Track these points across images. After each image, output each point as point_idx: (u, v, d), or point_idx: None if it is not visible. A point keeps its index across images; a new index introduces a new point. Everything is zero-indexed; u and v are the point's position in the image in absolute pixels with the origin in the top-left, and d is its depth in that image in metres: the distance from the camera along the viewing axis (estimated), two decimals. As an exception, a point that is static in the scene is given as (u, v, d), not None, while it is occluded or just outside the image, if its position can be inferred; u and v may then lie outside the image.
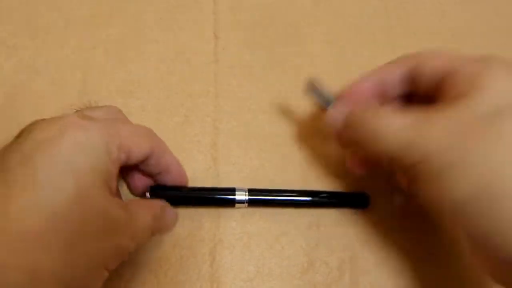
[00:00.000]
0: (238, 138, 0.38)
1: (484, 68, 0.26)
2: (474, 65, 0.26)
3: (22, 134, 0.24)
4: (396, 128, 0.26)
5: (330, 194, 0.36)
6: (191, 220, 0.35)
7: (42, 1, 0.43)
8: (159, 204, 0.30)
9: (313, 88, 0.34)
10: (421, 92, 0.30)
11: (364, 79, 0.32)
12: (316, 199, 0.35)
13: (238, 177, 0.36)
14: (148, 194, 0.32)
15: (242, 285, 0.33)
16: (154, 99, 0.39)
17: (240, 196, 0.34)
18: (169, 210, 0.31)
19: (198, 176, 0.36)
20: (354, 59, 0.42)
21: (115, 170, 0.26)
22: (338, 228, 0.35)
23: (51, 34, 0.41)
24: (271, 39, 0.43)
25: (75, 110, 0.29)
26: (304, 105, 0.39)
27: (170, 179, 0.32)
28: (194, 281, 0.33)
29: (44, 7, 0.43)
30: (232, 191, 0.34)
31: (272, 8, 0.44)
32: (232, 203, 0.34)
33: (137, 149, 0.28)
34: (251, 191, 0.34)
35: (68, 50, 0.41)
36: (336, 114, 0.31)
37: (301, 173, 0.37)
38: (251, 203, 0.34)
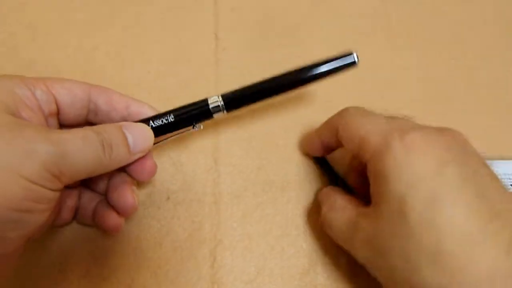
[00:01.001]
0: (239, 139, 0.38)
1: (383, 155, 0.26)
2: (376, 152, 0.27)
3: None
4: (339, 225, 0.30)
5: (314, 65, 0.32)
6: (192, 221, 0.35)
7: (43, 2, 0.43)
8: (114, 127, 0.28)
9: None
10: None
11: (311, 137, 0.36)
12: (301, 75, 0.32)
13: (239, 178, 0.36)
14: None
15: (242, 286, 0.33)
16: (154, 100, 0.38)
17: (214, 103, 0.31)
18: (136, 129, 0.29)
19: (199, 176, 0.36)
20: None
21: (28, 103, 0.26)
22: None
23: (51, 35, 0.41)
24: (271, 40, 0.43)
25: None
26: (304, 106, 0.39)
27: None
28: (194, 282, 0.33)
29: (44, 8, 0.43)
30: (204, 101, 0.32)
31: (272, 9, 0.44)
32: (209, 113, 0.32)
33: (65, 90, 0.28)
34: (224, 96, 0.32)
35: (69, 51, 0.41)
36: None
37: (301, 173, 0.37)
38: (229, 107, 0.32)
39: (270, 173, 0.37)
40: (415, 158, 0.25)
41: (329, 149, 0.34)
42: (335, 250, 0.34)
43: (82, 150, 0.25)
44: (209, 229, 0.35)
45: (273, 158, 0.38)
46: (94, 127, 0.27)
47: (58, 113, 0.29)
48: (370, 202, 0.27)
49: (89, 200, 0.32)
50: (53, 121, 0.29)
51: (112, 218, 0.31)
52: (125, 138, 0.28)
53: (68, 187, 0.31)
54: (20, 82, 0.26)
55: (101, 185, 0.32)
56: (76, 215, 0.33)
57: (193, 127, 0.32)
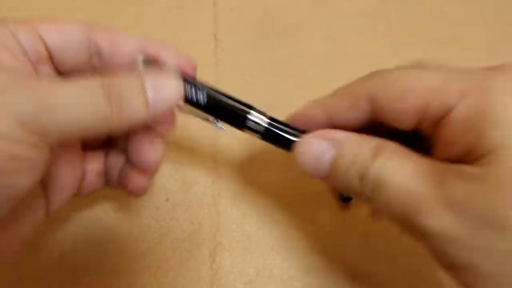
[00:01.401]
0: (239, 139, 0.38)
1: (489, 95, 0.20)
2: (471, 95, 0.20)
3: None
4: (406, 180, 0.21)
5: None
6: (191, 222, 0.35)
7: (42, 2, 0.43)
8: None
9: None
10: (393, 127, 0.24)
11: (310, 110, 0.27)
12: None
13: (239, 179, 0.36)
14: (140, 61, 0.25)
15: (242, 287, 0.33)
16: (154, 101, 0.39)
17: (256, 119, 0.26)
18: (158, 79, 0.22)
19: (198, 177, 0.36)
20: (354, 60, 0.42)
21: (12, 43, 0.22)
22: (337, 230, 0.35)
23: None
24: (271, 40, 0.43)
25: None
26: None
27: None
28: (194, 283, 0.33)
29: (44, 7, 0.43)
30: (248, 107, 0.26)
31: (272, 9, 0.44)
32: (241, 122, 0.27)
33: (55, 31, 0.23)
34: (272, 123, 0.27)
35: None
36: (314, 152, 0.24)
37: (301, 175, 0.37)
38: (267, 137, 0.27)
39: (271, 174, 0.37)
40: None
41: (344, 128, 0.25)
42: (335, 251, 0.34)
43: (76, 104, 0.20)
44: (208, 230, 0.35)
45: (275, 158, 0.37)
46: (102, 75, 0.22)
47: (51, 59, 0.24)
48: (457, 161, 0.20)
49: (116, 161, 0.29)
50: (46, 69, 0.24)
51: (133, 179, 0.27)
52: (142, 87, 0.22)
53: (90, 148, 0.28)
54: None
55: (126, 143, 0.28)
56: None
57: (215, 122, 0.27)
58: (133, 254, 0.34)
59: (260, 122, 0.26)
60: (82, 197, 0.29)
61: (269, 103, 0.39)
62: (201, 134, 0.38)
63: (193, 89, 0.25)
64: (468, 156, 0.20)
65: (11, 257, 0.24)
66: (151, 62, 0.24)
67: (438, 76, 0.21)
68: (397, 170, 0.21)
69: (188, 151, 0.37)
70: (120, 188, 0.28)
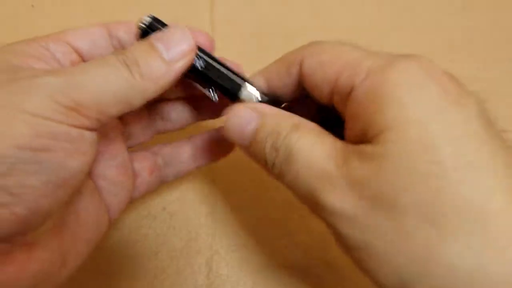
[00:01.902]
0: (236, 149, 0.38)
1: (389, 73, 0.20)
2: (375, 71, 0.21)
3: None
4: (311, 156, 0.21)
5: None
6: (188, 231, 0.35)
7: (39, 11, 0.43)
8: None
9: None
10: (318, 100, 0.25)
11: (253, 79, 0.27)
12: None
13: (236, 188, 0.37)
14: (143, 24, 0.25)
15: (238, 296, 0.33)
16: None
17: (250, 90, 0.26)
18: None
19: (195, 186, 0.36)
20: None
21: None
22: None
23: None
24: (268, 50, 0.43)
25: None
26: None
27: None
28: (190, 292, 0.33)
29: (41, 18, 0.43)
30: (243, 81, 0.26)
31: (268, 21, 0.45)
32: (235, 92, 0.26)
33: (80, 35, 0.25)
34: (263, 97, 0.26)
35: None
36: (240, 120, 0.24)
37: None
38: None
39: (267, 183, 0.37)
40: (433, 80, 0.20)
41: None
42: (331, 260, 0.35)
43: (99, 75, 0.21)
44: (205, 239, 0.35)
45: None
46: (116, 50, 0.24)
47: (83, 60, 0.26)
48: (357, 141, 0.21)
49: (173, 151, 0.31)
50: None
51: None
52: (153, 47, 0.23)
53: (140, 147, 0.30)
54: (27, 41, 0.23)
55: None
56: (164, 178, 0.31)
57: (210, 91, 0.26)
58: (130, 262, 0.34)
59: (252, 96, 0.26)
60: (138, 198, 0.30)
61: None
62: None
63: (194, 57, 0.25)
64: (366, 135, 0.20)
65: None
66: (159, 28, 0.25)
67: (354, 54, 0.22)
68: (310, 146, 0.21)
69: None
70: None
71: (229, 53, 0.43)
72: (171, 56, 0.23)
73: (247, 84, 0.26)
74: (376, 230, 0.19)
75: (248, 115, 0.24)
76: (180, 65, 0.23)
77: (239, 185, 0.37)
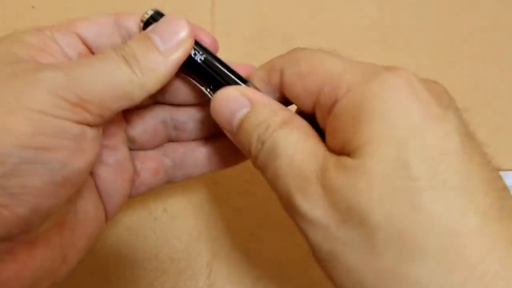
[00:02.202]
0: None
1: (371, 85, 0.20)
2: (358, 84, 0.20)
3: None
4: (294, 154, 0.21)
5: None
6: (188, 233, 0.35)
7: (40, 13, 0.43)
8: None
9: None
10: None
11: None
12: None
13: (236, 189, 0.36)
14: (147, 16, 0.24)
15: (239, 298, 0.33)
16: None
17: None
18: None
19: (195, 187, 0.36)
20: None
21: None
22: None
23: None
24: (268, 51, 0.43)
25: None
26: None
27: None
28: (191, 294, 0.33)
29: (41, 19, 0.43)
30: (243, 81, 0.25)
31: (269, 19, 0.45)
32: None
33: (87, 23, 0.25)
34: None
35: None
36: (230, 104, 0.24)
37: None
38: None
39: (268, 185, 0.37)
40: (414, 95, 0.19)
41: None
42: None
43: (101, 70, 0.21)
44: (205, 240, 0.35)
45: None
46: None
47: (91, 52, 0.25)
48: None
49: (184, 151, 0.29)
50: None
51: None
52: (149, 40, 0.22)
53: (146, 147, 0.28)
54: (34, 31, 0.23)
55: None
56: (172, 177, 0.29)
57: (207, 89, 0.25)
58: (131, 264, 0.34)
59: None
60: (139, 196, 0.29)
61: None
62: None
63: (193, 52, 0.24)
64: (345, 148, 0.20)
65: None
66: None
67: (335, 65, 0.22)
68: (295, 145, 0.21)
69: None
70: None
71: (230, 53, 0.43)
72: (167, 47, 0.22)
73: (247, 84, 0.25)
74: (346, 243, 0.19)
75: (239, 101, 0.23)
76: (177, 56, 0.23)
77: (240, 186, 0.37)
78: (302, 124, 0.22)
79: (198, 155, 0.28)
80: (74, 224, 0.23)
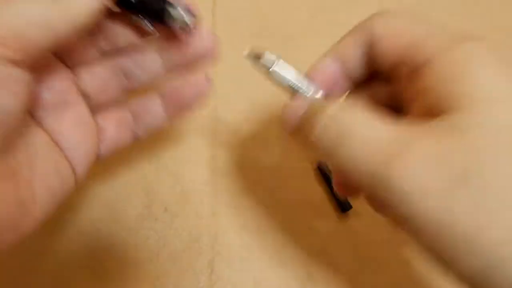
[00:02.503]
0: (237, 150, 0.38)
1: (467, 55, 0.20)
2: (451, 51, 0.20)
3: None
4: (368, 137, 0.20)
5: None
6: (189, 233, 0.35)
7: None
8: None
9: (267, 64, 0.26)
10: (382, 75, 0.25)
11: (327, 60, 0.27)
12: None
13: (237, 189, 0.36)
14: None
15: (240, 298, 0.33)
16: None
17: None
18: None
19: (196, 187, 0.36)
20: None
21: None
22: (338, 239, 0.35)
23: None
24: (269, 50, 0.43)
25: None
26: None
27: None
28: (192, 294, 0.33)
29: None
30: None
31: (270, 20, 0.45)
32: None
33: None
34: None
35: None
36: (297, 109, 0.24)
37: (299, 182, 0.37)
38: None
39: (268, 184, 0.37)
40: (504, 61, 0.20)
41: (355, 81, 0.26)
42: (334, 261, 0.34)
43: (18, 3, 0.20)
44: (206, 240, 0.35)
45: (270, 169, 0.38)
46: None
47: None
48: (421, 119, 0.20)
49: (145, 104, 0.28)
50: None
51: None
52: None
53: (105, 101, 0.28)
54: None
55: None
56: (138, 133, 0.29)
57: (145, 22, 0.25)
58: (132, 265, 0.34)
59: (184, 17, 0.24)
60: (106, 158, 0.28)
61: (266, 113, 0.40)
62: (199, 145, 0.38)
63: None
64: (439, 109, 0.19)
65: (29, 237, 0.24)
66: None
67: (428, 27, 0.22)
68: (367, 121, 0.20)
69: (187, 162, 0.37)
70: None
71: (231, 52, 0.43)
72: None
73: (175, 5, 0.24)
74: (457, 209, 0.17)
75: (300, 103, 0.24)
76: None
77: (241, 186, 0.37)
78: (365, 106, 0.22)
79: (153, 105, 0.28)
80: (29, 175, 0.23)
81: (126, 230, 0.34)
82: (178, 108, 0.28)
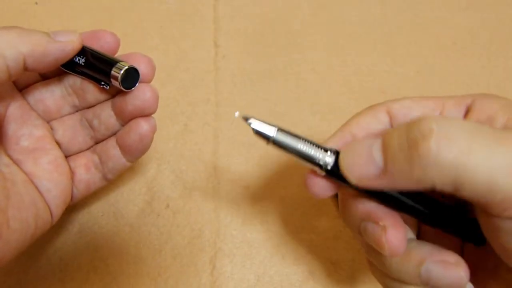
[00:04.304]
0: (239, 146, 0.38)
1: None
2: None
3: None
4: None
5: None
6: (191, 229, 0.35)
7: (43, 9, 0.43)
8: None
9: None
10: None
11: (338, 143, 0.25)
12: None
13: (239, 185, 0.36)
14: None
15: (242, 294, 0.33)
16: (154, 107, 0.39)
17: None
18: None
19: (198, 183, 0.36)
20: (354, 67, 0.42)
21: None
22: (336, 236, 0.35)
23: (51, 42, 0.41)
24: (271, 47, 0.43)
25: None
26: (304, 113, 0.39)
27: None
28: (194, 290, 0.33)
29: (44, 15, 0.43)
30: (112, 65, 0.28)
31: (272, 16, 0.45)
32: (107, 75, 0.28)
33: None
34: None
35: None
36: (361, 148, 0.22)
37: (301, 182, 0.37)
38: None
39: (271, 181, 0.37)
40: None
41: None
42: (335, 257, 0.34)
43: None
44: (208, 236, 0.35)
45: (273, 166, 0.38)
46: None
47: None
48: None
49: (105, 147, 0.31)
50: None
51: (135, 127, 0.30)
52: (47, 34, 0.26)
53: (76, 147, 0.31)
54: None
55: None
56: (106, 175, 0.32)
57: (102, 84, 0.29)
58: (134, 261, 0.34)
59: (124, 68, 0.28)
60: (83, 197, 0.31)
61: (269, 109, 0.40)
62: (201, 141, 0.38)
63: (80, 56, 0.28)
64: None
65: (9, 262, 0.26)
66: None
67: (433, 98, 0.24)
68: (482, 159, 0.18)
69: (188, 158, 0.37)
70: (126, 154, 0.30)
71: (233, 49, 0.43)
72: (56, 36, 0.26)
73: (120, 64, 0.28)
74: None
75: (367, 140, 0.21)
76: (63, 40, 0.26)
77: (243, 182, 0.37)
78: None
79: (113, 149, 0.30)
80: (4, 203, 0.25)
81: (128, 226, 0.35)
82: (128, 152, 0.30)
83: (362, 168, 0.21)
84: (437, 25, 0.46)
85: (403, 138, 0.19)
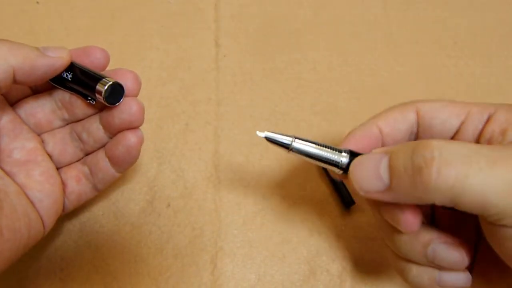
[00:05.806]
0: (240, 146, 0.38)
1: None
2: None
3: None
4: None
5: None
6: (192, 228, 0.35)
7: (44, 8, 0.43)
8: None
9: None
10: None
11: (365, 133, 0.27)
12: None
13: (240, 184, 0.36)
14: None
15: (243, 293, 0.33)
16: (155, 107, 0.39)
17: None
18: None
19: (199, 183, 0.36)
20: (356, 66, 0.42)
21: None
22: (338, 235, 0.35)
23: (52, 41, 0.41)
24: (272, 47, 0.43)
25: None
26: (304, 113, 0.39)
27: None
28: (195, 289, 0.33)
29: (45, 14, 0.43)
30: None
31: (273, 16, 0.45)
32: (92, 91, 0.29)
33: None
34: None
35: (70, 58, 0.41)
36: (369, 163, 0.24)
37: (302, 180, 0.37)
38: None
39: (271, 180, 0.37)
40: None
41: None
42: (335, 257, 0.34)
43: None
44: (209, 236, 0.35)
45: (274, 165, 0.38)
46: None
47: None
48: None
49: (95, 158, 0.32)
50: None
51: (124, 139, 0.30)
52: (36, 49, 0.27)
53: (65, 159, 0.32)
54: None
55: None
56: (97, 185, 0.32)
57: (88, 99, 0.30)
58: (135, 260, 0.34)
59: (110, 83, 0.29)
60: (75, 208, 0.32)
61: (270, 108, 0.40)
62: (202, 141, 0.38)
63: (68, 72, 0.29)
64: None
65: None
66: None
67: (468, 104, 0.26)
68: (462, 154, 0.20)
69: (189, 158, 0.37)
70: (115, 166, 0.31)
71: (234, 48, 0.43)
72: (46, 51, 0.28)
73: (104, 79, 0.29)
74: None
75: (375, 155, 0.23)
76: (53, 55, 0.28)
77: (244, 182, 0.37)
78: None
79: (102, 161, 0.31)
80: None
81: (129, 225, 0.35)
82: (116, 164, 0.31)
83: (369, 183, 0.23)
84: (438, 24, 0.46)
85: (408, 162, 0.21)
